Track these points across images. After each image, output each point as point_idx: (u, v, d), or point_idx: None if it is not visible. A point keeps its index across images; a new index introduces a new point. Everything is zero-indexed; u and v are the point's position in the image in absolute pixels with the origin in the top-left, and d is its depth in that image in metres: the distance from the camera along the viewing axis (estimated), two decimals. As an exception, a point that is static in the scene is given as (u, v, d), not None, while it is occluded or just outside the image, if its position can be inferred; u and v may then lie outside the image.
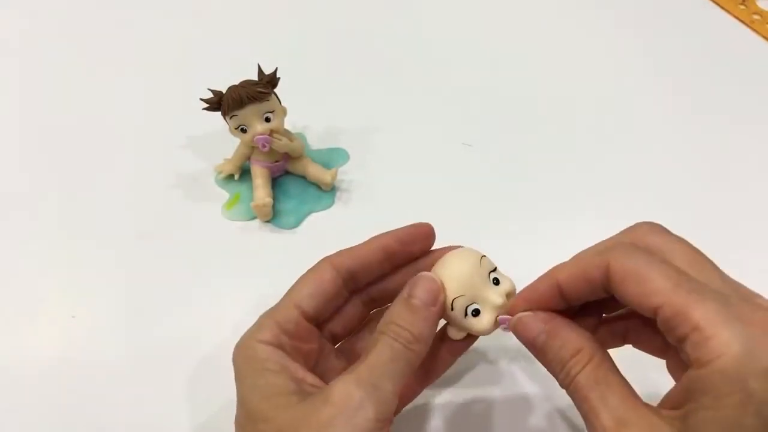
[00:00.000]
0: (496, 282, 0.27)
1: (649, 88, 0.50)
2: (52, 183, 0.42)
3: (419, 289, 0.25)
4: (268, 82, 0.37)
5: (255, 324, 0.26)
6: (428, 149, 0.45)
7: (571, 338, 0.24)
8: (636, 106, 0.48)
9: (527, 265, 0.38)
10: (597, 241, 0.40)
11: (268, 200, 0.39)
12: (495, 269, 0.28)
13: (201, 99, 0.37)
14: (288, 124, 0.40)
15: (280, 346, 0.25)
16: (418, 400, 0.30)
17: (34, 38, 0.53)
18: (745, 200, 0.42)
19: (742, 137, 0.46)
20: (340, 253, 0.28)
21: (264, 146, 0.38)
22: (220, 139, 0.41)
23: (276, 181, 0.42)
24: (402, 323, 0.25)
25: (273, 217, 0.40)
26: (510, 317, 0.26)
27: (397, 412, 0.28)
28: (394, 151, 0.45)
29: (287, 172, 0.42)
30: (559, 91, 0.49)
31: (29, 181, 0.43)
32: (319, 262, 0.28)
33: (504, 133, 0.46)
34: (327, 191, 0.42)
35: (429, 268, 0.27)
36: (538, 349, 0.25)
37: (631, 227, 0.26)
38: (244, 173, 0.42)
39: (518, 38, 0.54)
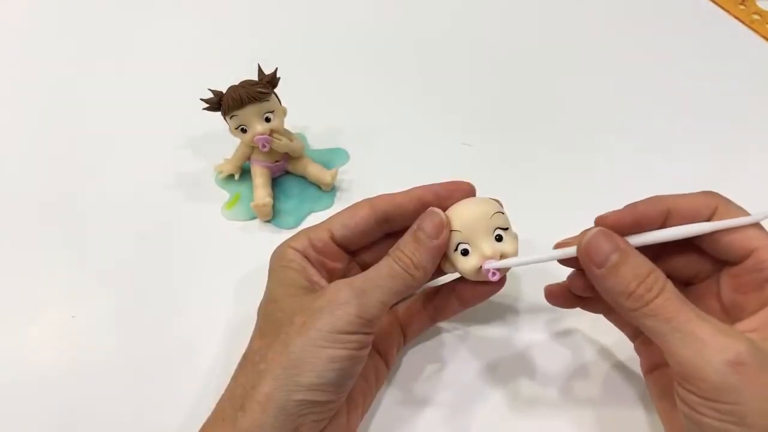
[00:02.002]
0: (499, 238, 0.28)
1: (649, 88, 0.50)
2: (52, 183, 0.42)
3: (426, 222, 0.28)
4: (268, 82, 0.38)
5: (293, 235, 0.30)
6: (428, 149, 0.45)
7: (643, 261, 0.25)
8: (636, 106, 0.48)
9: (525, 266, 0.38)
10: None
11: (268, 200, 0.39)
12: (506, 229, 0.29)
13: (201, 99, 0.37)
14: (288, 124, 0.40)
15: (306, 255, 0.29)
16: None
17: (34, 38, 0.53)
18: (745, 200, 0.42)
19: (742, 137, 0.46)
20: (380, 196, 0.31)
21: (264, 146, 0.38)
22: (220, 139, 0.41)
23: (276, 181, 0.42)
24: (405, 250, 0.28)
25: (273, 217, 0.40)
26: (494, 268, 0.28)
27: (408, 338, 0.33)
28: (394, 151, 0.45)
29: (287, 172, 0.42)
30: (559, 91, 0.49)
31: (29, 181, 0.43)
32: (360, 201, 0.31)
33: (504, 133, 0.46)
34: (327, 191, 0.42)
35: None
36: (607, 270, 0.25)
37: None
38: (244, 173, 0.42)
39: (518, 38, 0.54)
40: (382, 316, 0.27)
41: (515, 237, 0.30)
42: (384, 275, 0.27)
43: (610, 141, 0.46)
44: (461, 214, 0.29)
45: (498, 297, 0.32)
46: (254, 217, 0.40)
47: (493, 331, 0.36)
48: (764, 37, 0.54)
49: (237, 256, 0.38)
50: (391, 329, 0.32)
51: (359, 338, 0.26)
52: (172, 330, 0.35)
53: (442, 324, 0.36)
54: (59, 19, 0.55)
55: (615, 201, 0.42)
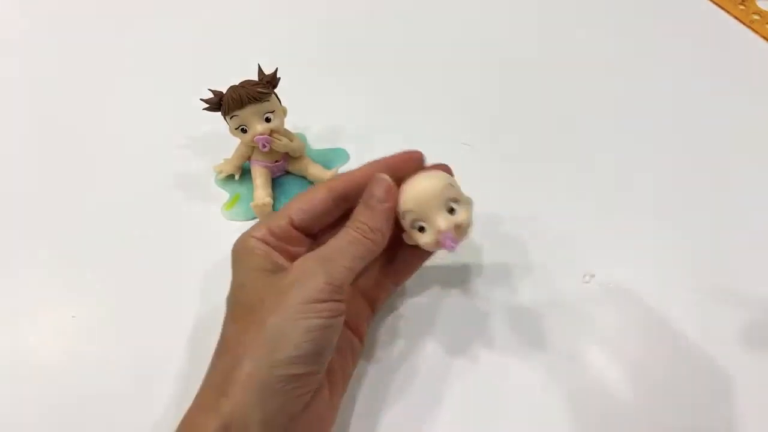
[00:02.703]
0: (452, 211, 0.30)
1: (649, 88, 0.50)
2: (52, 183, 0.42)
3: (374, 188, 0.30)
4: (268, 82, 0.37)
5: (252, 225, 0.31)
6: (428, 149, 0.45)
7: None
8: (635, 106, 0.48)
9: (524, 264, 0.38)
10: (592, 239, 0.40)
11: (268, 200, 0.39)
12: (457, 200, 0.30)
13: (201, 99, 0.37)
14: (288, 124, 0.40)
15: (267, 242, 0.30)
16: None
17: (34, 38, 0.53)
18: (745, 200, 0.42)
19: (742, 137, 0.46)
20: (337, 176, 0.32)
21: (264, 146, 0.38)
22: (220, 139, 0.41)
23: (276, 181, 0.42)
24: (360, 218, 0.29)
25: (273, 217, 0.40)
26: (452, 238, 0.29)
27: (375, 309, 0.34)
28: (393, 151, 0.45)
29: (287, 172, 0.42)
30: (559, 91, 0.49)
31: (30, 181, 0.43)
32: (317, 184, 0.32)
33: (504, 133, 0.46)
34: (327, 191, 0.42)
35: None
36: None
37: None
38: (244, 173, 0.42)
39: (518, 38, 0.54)
40: (350, 282, 0.28)
41: (468, 203, 0.31)
42: (345, 243, 0.29)
43: (609, 140, 0.46)
44: (413, 193, 0.30)
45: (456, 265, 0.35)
46: (254, 217, 0.40)
47: (456, 301, 0.36)
48: (764, 37, 0.54)
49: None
50: (357, 303, 0.33)
51: (331, 305, 0.27)
52: (172, 330, 0.35)
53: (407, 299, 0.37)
54: (59, 18, 0.55)
55: (615, 198, 0.42)
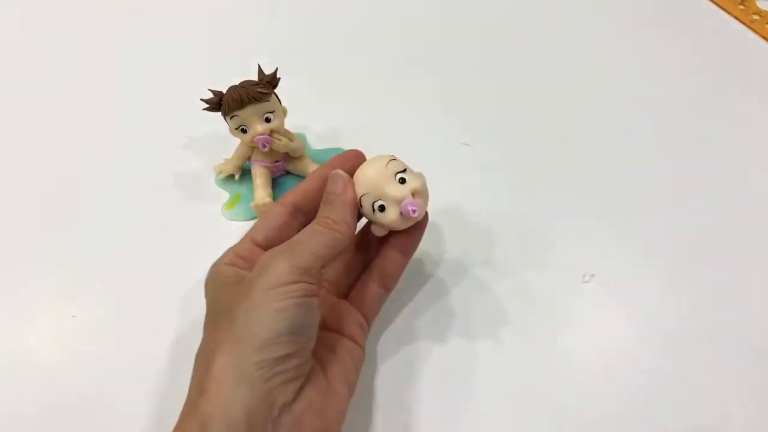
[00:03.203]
0: (403, 181, 0.30)
1: (649, 88, 0.50)
2: (52, 183, 0.42)
3: (330, 184, 0.31)
4: (268, 83, 0.37)
5: (220, 256, 0.31)
6: (428, 149, 0.45)
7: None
8: (635, 106, 0.48)
9: (525, 264, 0.38)
10: (592, 239, 0.40)
11: (268, 200, 0.39)
12: (404, 170, 0.31)
13: (201, 99, 0.37)
14: (288, 124, 0.40)
15: (236, 265, 0.30)
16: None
17: (34, 38, 0.53)
18: (745, 200, 0.42)
19: (742, 137, 0.46)
20: (289, 191, 0.33)
21: (264, 146, 0.38)
22: (220, 139, 0.41)
23: (276, 181, 0.42)
24: (322, 213, 0.30)
25: (273, 217, 0.40)
26: (412, 203, 0.30)
27: (369, 319, 0.33)
28: (393, 151, 0.44)
29: (287, 172, 0.42)
30: (558, 90, 0.49)
31: (29, 181, 0.43)
32: (273, 202, 0.32)
33: (504, 133, 0.46)
34: (327, 191, 0.42)
35: None
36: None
37: None
38: (244, 173, 0.42)
39: (517, 38, 0.54)
40: (318, 267, 0.28)
41: (418, 173, 0.32)
42: (308, 235, 0.29)
43: (609, 140, 0.46)
44: (362, 179, 0.31)
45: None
46: (254, 217, 0.40)
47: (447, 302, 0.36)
48: (764, 37, 0.54)
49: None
50: (351, 315, 0.32)
51: (300, 286, 0.26)
52: (172, 330, 0.35)
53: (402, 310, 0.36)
54: (59, 19, 0.55)
55: (615, 197, 0.42)
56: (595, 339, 0.36)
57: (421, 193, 0.31)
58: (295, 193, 0.32)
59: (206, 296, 0.30)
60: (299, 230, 0.30)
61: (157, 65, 0.51)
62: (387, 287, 0.34)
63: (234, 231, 0.40)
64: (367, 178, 0.30)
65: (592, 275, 0.38)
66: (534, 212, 0.41)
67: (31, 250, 0.39)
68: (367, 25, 0.55)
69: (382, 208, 0.30)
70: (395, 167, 0.31)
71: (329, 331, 0.31)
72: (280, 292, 0.26)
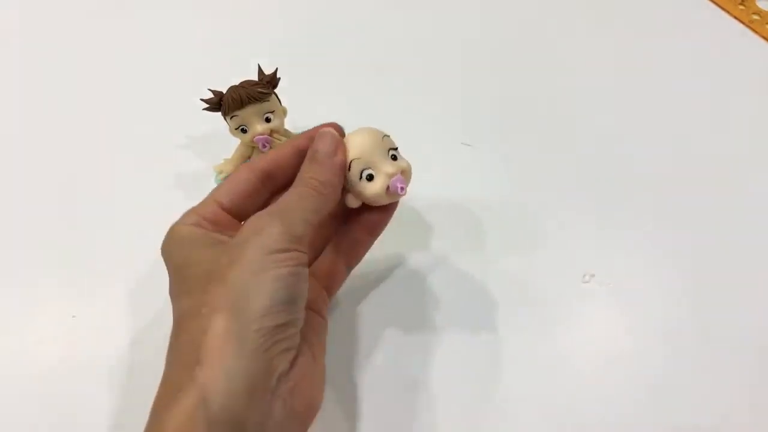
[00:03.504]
0: (394, 158, 0.31)
1: (649, 88, 0.50)
2: (52, 183, 0.42)
3: (321, 143, 0.29)
4: (268, 82, 0.37)
5: (180, 217, 0.29)
6: (428, 149, 0.45)
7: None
8: (635, 106, 0.48)
9: (524, 264, 0.38)
10: (592, 239, 0.40)
11: (230, 169, 0.39)
12: (396, 149, 0.31)
13: (201, 99, 0.37)
14: (288, 124, 0.40)
15: (201, 226, 0.28)
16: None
17: (34, 38, 0.53)
18: (745, 200, 0.42)
19: (742, 137, 0.46)
20: (258, 157, 0.31)
21: (264, 146, 0.38)
22: (220, 139, 0.41)
23: (276, 181, 0.42)
24: (309, 173, 0.28)
25: (273, 217, 0.40)
26: (402, 180, 0.29)
27: (331, 293, 0.32)
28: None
29: (287, 172, 0.42)
30: (558, 90, 0.49)
31: (29, 181, 0.43)
32: (239, 167, 0.31)
33: (504, 133, 0.46)
34: (327, 191, 0.42)
35: None
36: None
37: None
38: (244, 173, 0.42)
39: (517, 38, 0.54)
40: (308, 235, 0.27)
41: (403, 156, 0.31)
42: (296, 198, 0.27)
43: (609, 140, 0.46)
44: (357, 143, 0.30)
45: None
46: (254, 217, 0.40)
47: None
48: (764, 37, 0.54)
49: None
50: (314, 289, 0.31)
51: (294, 255, 0.25)
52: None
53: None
54: (59, 18, 0.55)
55: (615, 197, 0.42)
56: (594, 339, 0.35)
57: (408, 174, 0.31)
58: (265, 160, 0.30)
59: (171, 258, 0.27)
60: (269, 199, 0.30)
61: (157, 65, 0.51)
62: (350, 265, 0.33)
63: (234, 231, 0.40)
64: (363, 144, 0.30)
65: (592, 275, 0.38)
66: (534, 212, 0.41)
67: (31, 250, 0.39)
68: (367, 25, 0.55)
69: (370, 178, 0.30)
70: (389, 143, 0.31)
71: None
72: (274, 259, 0.25)
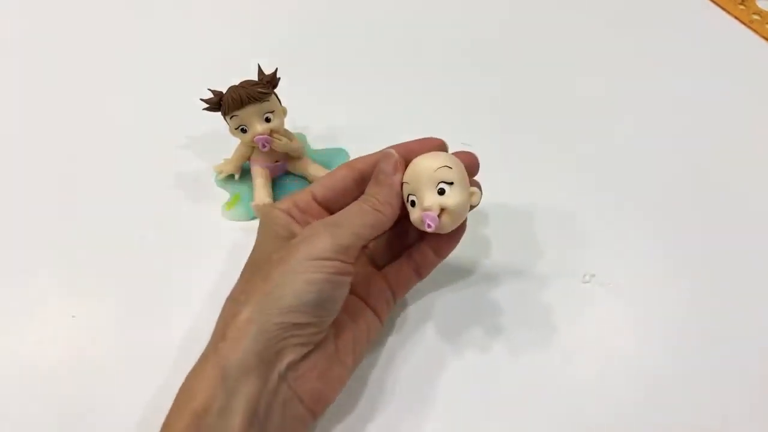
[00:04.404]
0: (441, 192, 0.30)
1: (648, 88, 0.50)
2: (52, 183, 0.42)
3: (383, 163, 0.31)
4: (268, 82, 0.37)
5: (280, 199, 0.33)
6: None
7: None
8: (635, 106, 0.48)
9: (525, 264, 0.38)
10: (592, 238, 0.40)
11: (268, 200, 0.39)
12: (451, 183, 0.30)
13: (201, 99, 0.37)
14: (288, 124, 0.40)
15: (290, 213, 0.31)
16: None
17: (34, 38, 0.53)
18: (745, 200, 0.42)
19: (742, 137, 0.46)
20: (357, 158, 0.33)
21: (264, 146, 0.38)
22: (220, 139, 0.41)
23: (276, 181, 0.42)
24: (371, 192, 0.31)
25: (273, 217, 0.40)
26: (431, 217, 0.29)
27: (397, 296, 0.34)
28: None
29: (287, 172, 0.42)
30: (558, 90, 0.49)
31: (29, 181, 0.43)
32: (340, 164, 0.33)
33: (504, 133, 0.46)
34: (327, 191, 0.42)
35: None
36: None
37: None
38: (244, 173, 0.42)
39: (517, 38, 0.54)
40: (357, 247, 0.29)
41: (464, 191, 0.30)
42: (353, 212, 0.30)
43: (609, 140, 0.46)
44: (411, 168, 0.31)
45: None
46: (254, 218, 0.40)
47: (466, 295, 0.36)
48: (764, 37, 0.54)
49: (237, 256, 0.38)
50: (381, 288, 0.33)
51: (335, 264, 0.28)
52: (172, 330, 0.35)
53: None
54: (59, 18, 0.55)
55: (616, 197, 0.42)
56: (595, 339, 0.35)
57: (450, 213, 0.29)
58: (364, 161, 0.33)
59: (258, 233, 0.32)
60: (359, 196, 0.32)
61: (157, 65, 0.51)
62: (420, 276, 0.35)
63: (234, 231, 0.40)
64: (414, 171, 0.30)
65: (592, 275, 0.38)
66: (534, 212, 0.41)
67: (31, 250, 0.39)
68: (367, 25, 0.55)
69: (413, 204, 0.30)
70: (443, 175, 0.30)
71: (356, 297, 0.32)
72: (315, 265, 0.28)
